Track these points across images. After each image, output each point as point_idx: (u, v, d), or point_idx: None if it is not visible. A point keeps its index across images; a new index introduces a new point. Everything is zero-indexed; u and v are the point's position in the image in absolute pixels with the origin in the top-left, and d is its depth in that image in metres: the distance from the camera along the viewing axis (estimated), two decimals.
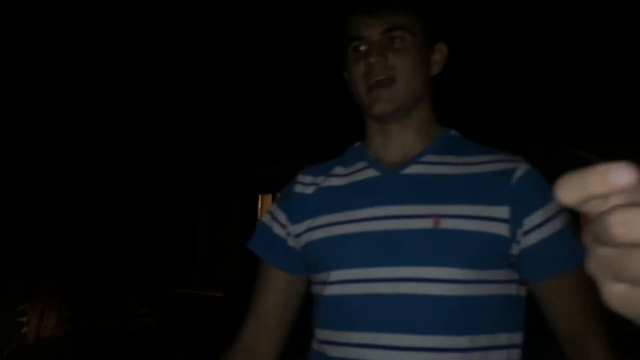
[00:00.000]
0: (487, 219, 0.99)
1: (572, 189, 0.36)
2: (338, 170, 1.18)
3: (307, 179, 1.21)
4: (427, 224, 1.00)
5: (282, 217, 1.20)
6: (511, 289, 1.03)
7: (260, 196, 14.71)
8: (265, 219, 1.24)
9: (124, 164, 9.12)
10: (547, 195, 1.00)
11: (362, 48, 1.09)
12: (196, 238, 13.65)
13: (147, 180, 10.34)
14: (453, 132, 1.16)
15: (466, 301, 0.98)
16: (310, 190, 1.18)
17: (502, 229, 0.99)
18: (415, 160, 1.10)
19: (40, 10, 4.17)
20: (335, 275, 1.07)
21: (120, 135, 7.66)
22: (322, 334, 1.09)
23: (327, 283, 1.08)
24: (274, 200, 1.24)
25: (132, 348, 5.08)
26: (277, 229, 1.19)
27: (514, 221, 0.99)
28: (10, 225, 7.10)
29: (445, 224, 1.00)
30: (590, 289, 0.98)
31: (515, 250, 1.01)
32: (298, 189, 1.21)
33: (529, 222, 1.00)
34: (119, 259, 8.52)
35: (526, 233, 1.00)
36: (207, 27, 4.83)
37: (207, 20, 4.72)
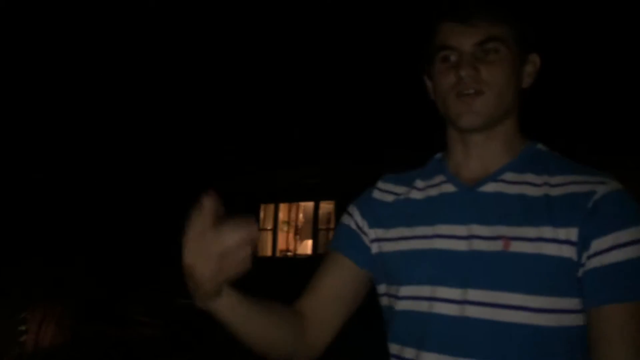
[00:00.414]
0: (556, 241, 0.96)
1: None
2: (418, 182, 1.15)
3: (387, 186, 1.19)
4: (497, 246, 0.98)
5: (359, 217, 1.18)
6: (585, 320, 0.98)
7: (262, 206, 14.72)
8: (344, 218, 1.22)
9: (128, 172, 9.13)
10: (626, 220, 0.94)
11: (453, 58, 1.05)
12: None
13: (150, 189, 10.34)
14: (539, 146, 1.11)
15: (536, 331, 0.94)
16: (388, 198, 1.17)
17: (571, 252, 0.95)
18: (493, 177, 1.06)
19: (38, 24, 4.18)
20: (404, 290, 1.06)
21: (126, 141, 7.67)
22: (393, 347, 1.09)
23: (397, 297, 1.07)
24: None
25: (133, 357, 5.05)
26: (354, 227, 1.18)
27: (582, 243, 0.95)
28: (9, 232, 7.09)
29: (515, 246, 0.97)
30: None
31: (580, 273, 0.95)
32: (376, 194, 1.18)
33: (597, 244, 0.94)
34: (121, 267, 8.49)
35: (591, 256, 0.94)
36: (200, 37, 4.84)
37: (203, 30, 4.73)
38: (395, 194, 1.16)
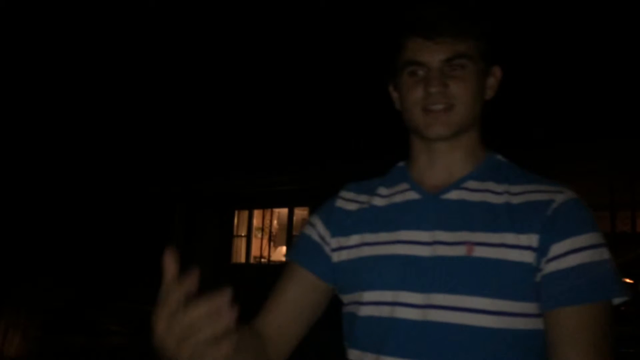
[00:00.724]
0: (518, 247, 0.99)
1: None
2: (381, 190, 1.17)
3: (349, 195, 1.20)
4: (461, 251, 1.00)
5: (321, 227, 1.18)
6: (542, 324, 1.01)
7: (236, 212, 14.62)
8: (305, 229, 1.22)
9: (98, 181, 8.95)
10: (581, 227, 0.98)
11: (421, 73, 1.08)
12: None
13: (118, 193, 10.16)
14: (498, 156, 1.15)
15: (497, 334, 0.96)
16: (351, 206, 1.18)
17: (531, 258, 0.98)
18: (456, 185, 1.09)
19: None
20: (367, 296, 1.06)
21: (96, 149, 7.53)
22: (352, 353, 1.09)
23: (360, 303, 1.08)
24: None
25: None
26: (315, 237, 1.18)
27: (542, 249, 0.98)
28: None
29: (478, 251, 0.99)
30: (605, 334, 0.95)
31: (538, 278, 0.98)
32: (339, 203, 1.20)
33: (555, 249, 0.97)
34: (88, 275, 8.31)
35: (549, 261, 0.98)
36: (187, 43, 4.81)
37: (188, 38, 4.69)
38: (358, 202, 1.17)
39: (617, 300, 0.98)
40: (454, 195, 1.08)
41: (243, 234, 14.11)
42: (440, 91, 1.05)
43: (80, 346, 5.18)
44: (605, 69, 5.16)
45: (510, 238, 0.99)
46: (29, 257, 7.26)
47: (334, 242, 1.15)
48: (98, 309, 6.60)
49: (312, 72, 5.39)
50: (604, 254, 0.98)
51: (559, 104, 6.30)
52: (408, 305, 1.01)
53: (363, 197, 1.17)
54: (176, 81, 5.75)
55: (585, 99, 6.13)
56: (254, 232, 14.00)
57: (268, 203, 13.50)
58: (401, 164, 1.20)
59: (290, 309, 1.13)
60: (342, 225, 1.15)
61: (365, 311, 1.06)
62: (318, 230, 1.18)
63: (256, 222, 14.01)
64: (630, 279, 8.83)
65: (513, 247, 0.99)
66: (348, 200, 1.19)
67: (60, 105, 5.91)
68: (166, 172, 10.32)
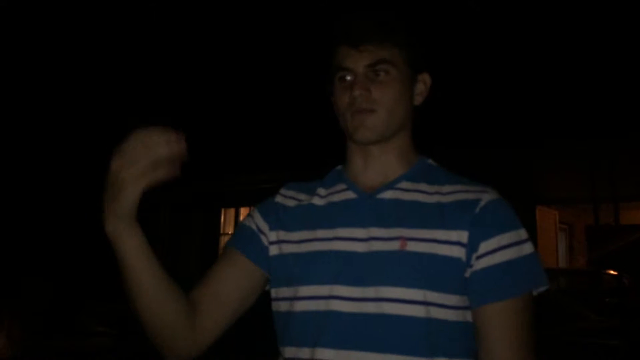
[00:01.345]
0: (449, 242, 1.05)
1: None
2: (320, 190, 1.22)
3: (289, 193, 1.25)
4: (394, 246, 1.06)
5: (260, 219, 1.23)
6: (471, 316, 1.07)
7: (223, 210, 14.57)
8: (245, 220, 1.27)
9: (81, 182, 8.85)
10: (507, 224, 1.06)
11: (348, 78, 1.14)
12: (156, 254, 13.35)
13: (102, 193, 10.04)
14: (429, 160, 1.21)
15: (426, 323, 1.02)
16: (290, 203, 1.23)
17: (461, 253, 1.04)
18: (391, 185, 1.15)
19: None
20: (303, 291, 1.09)
21: (79, 150, 7.45)
22: (288, 351, 1.11)
23: (295, 299, 1.10)
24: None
25: None
26: (253, 227, 1.23)
27: (471, 245, 1.04)
28: None
29: (411, 246, 1.05)
30: (529, 324, 1.04)
31: (468, 273, 1.05)
32: (279, 199, 1.25)
33: (484, 246, 1.04)
34: (72, 275, 8.23)
35: (479, 257, 1.04)
36: (173, 47, 4.78)
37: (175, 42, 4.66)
38: (298, 199, 1.23)
39: (536, 291, 1.06)
40: (388, 194, 1.13)
41: (230, 232, 14.08)
42: (363, 95, 1.11)
43: (66, 348, 5.13)
44: (588, 67, 5.24)
45: (440, 234, 1.05)
46: (13, 258, 7.17)
47: (273, 235, 1.19)
48: (83, 310, 6.53)
49: (294, 72, 5.40)
50: (526, 248, 1.06)
51: (541, 102, 6.37)
52: (344, 298, 1.05)
53: (302, 196, 1.23)
54: (160, 81, 5.72)
55: (568, 97, 6.20)
56: None
57: (255, 201, 13.47)
58: (339, 167, 1.26)
59: (222, 288, 1.16)
60: (282, 219, 1.20)
61: (300, 306, 1.09)
62: (256, 221, 1.23)
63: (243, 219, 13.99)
64: (614, 270, 8.96)
65: (443, 243, 1.05)
66: (288, 197, 1.24)
67: (40, 104, 5.85)
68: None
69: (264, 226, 1.21)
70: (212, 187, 13.38)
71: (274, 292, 1.18)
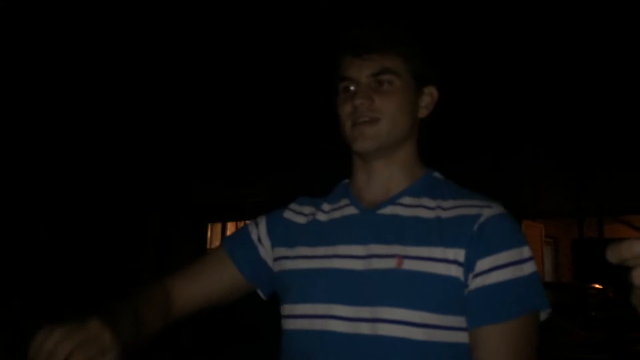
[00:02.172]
0: (446, 261, 1.01)
1: (619, 251, 0.58)
2: (324, 206, 1.20)
3: (298, 208, 1.24)
4: (391, 264, 1.02)
5: (264, 232, 1.22)
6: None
7: (209, 225, 14.47)
8: (250, 225, 1.26)
9: (64, 189, 8.76)
10: (505, 242, 1.01)
11: (352, 88, 1.12)
12: (142, 269, 13.21)
13: (89, 206, 9.96)
14: (435, 174, 1.18)
15: (424, 346, 0.98)
16: (297, 219, 1.21)
17: (458, 272, 1.00)
18: (392, 201, 1.12)
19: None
20: (300, 309, 1.08)
21: (61, 157, 7.38)
22: None
23: (293, 317, 1.10)
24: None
25: None
26: (254, 237, 1.22)
27: (468, 264, 1.00)
28: None
29: (407, 264, 1.01)
30: (528, 346, 0.98)
31: (465, 293, 1.01)
32: (287, 214, 1.24)
33: (480, 265, 1.00)
34: (57, 291, 8.10)
35: (475, 276, 1.00)
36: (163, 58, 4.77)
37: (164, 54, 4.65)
38: (304, 214, 1.21)
39: (543, 314, 1.01)
40: (388, 210, 1.10)
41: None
42: (366, 104, 1.09)
43: None
44: (576, 78, 5.32)
45: (438, 252, 1.01)
46: None
47: (275, 252, 1.19)
48: (61, 320, 6.41)
49: (284, 87, 5.43)
50: (526, 268, 1.00)
51: (527, 114, 6.44)
52: (340, 318, 1.03)
53: (309, 210, 1.22)
54: (148, 93, 5.70)
55: (554, 111, 6.29)
56: None
57: (241, 215, 13.42)
58: (346, 181, 1.24)
59: (204, 291, 1.18)
60: (286, 235, 1.19)
61: (298, 324, 1.08)
62: (259, 233, 1.22)
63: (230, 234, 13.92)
64: (599, 284, 9.01)
65: (440, 261, 1.01)
66: (296, 213, 1.23)
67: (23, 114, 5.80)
68: (135, 187, 10.14)
69: (266, 241, 1.21)
70: (197, 203, 13.30)
71: (281, 310, 1.16)
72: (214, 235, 14.08)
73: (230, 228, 13.93)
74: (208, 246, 13.97)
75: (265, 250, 1.20)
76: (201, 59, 4.94)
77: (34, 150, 7.10)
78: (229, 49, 4.73)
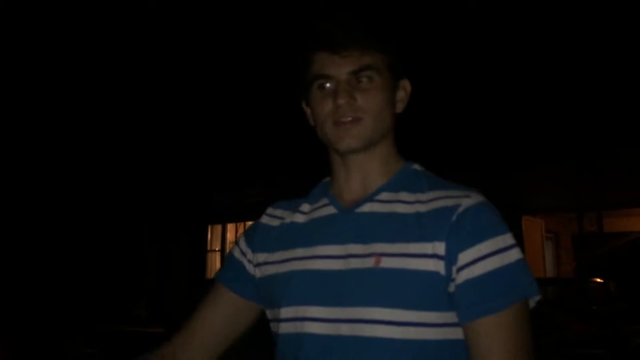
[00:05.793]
0: (425, 256, 0.97)
1: None
2: (304, 207, 1.18)
3: (275, 212, 1.21)
4: (368, 263, 1.00)
5: (243, 244, 1.21)
6: (459, 333, 0.99)
7: (209, 227, 14.46)
8: (232, 248, 1.25)
9: (63, 196, 8.75)
10: (487, 232, 0.97)
11: (328, 86, 1.08)
12: (142, 272, 13.19)
13: (89, 213, 9.95)
14: (415, 166, 1.15)
15: (405, 345, 0.95)
16: (274, 223, 1.19)
17: (439, 266, 0.97)
18: (370, 198, 1.09)
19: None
20: (283, 312, 1.06)
21: (59, 163, 7.38)
22: None
23: (278, 321, 1.08)
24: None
25: None
26: (238, 255, 1.21)
27: (449, 257, 0.97)
28: None
29: (386, 262, 0.98)
30: (522, 335, 0.95)
31: (452, 288, 0.97)
32: (264, 220, 1.22)
33: (462, 258, 0.96)
34: (59, 298, 8.10)
35: (459, 269, 0.96)
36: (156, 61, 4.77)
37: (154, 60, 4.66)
38: (281, 218, 1.19)
39: (532, 302, 0.98)
40: (366, 208, 1.08)
41: (217, 249, 13.97)
42: (348, 103, 1.05)
43: None
44: (575, 75, 5.32)
45: (416, 247, 0.98)
46: None
47: (256, 258, 1.17)
48: (70, 333, 6.43)
49: (279, 88, 5.44)
50: (512, 255, 0.97)
51: (528, 114, 6.45)
52: (318, 320, 1.01)
53: (286, 214, 1.18)
54: (146, 96, 5.70)
55: (554, 108, 6.30)
56: (228, 246, 13.88)
57: (240, 217, 13.42)
58: (326, 179, 1.21)
59: (209, 329, 1.17)
60: (265, 241, 1.17)
61: (282, 328, 1.06)
62: (240, 247, 1.21)
63: (230, 235, 13.90)
64: (599, 277, 9.03)
65: (417, 257, 0.97)
66: (273, 217, 1.20)
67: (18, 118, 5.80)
68: (136, 189, 10.15)
69: (247, 251, 1.19)
70: (197, 205, 13.29)
71: (267, 314, 1.15)
72: (214, 237, 14.08)
73: (230, 229, 13.93)
74: (208, 247, 13.97)
75: (250, 263, 1.18)
76: (204, 73, 4.94)
77: (49, 157, 7.08)
78: (229, 63, 4.74)
